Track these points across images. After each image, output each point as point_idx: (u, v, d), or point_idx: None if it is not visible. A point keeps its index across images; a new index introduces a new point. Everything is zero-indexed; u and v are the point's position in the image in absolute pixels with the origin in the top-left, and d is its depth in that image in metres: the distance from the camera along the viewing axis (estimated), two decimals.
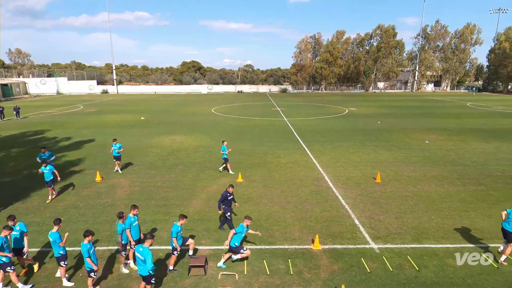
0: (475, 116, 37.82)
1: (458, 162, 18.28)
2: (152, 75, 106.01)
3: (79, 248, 8.27)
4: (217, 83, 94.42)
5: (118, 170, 16.65)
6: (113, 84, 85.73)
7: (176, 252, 8.56)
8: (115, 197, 13.44)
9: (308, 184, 14.85)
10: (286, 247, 9.67)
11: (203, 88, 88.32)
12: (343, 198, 13.26)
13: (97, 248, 9.41)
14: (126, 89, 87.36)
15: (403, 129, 29.00)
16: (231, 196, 10.47)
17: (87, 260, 7.36)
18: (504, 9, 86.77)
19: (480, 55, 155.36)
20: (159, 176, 16.07)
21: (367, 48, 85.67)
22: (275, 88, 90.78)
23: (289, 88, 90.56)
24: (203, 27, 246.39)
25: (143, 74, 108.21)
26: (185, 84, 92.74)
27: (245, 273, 8.41)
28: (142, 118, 36.83)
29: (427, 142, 23.65)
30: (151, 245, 7.26)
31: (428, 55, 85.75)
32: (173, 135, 26.45)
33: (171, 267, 8.58)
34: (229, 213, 10.43)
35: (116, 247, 9.50)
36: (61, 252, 7.92)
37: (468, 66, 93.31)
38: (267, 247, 9.66)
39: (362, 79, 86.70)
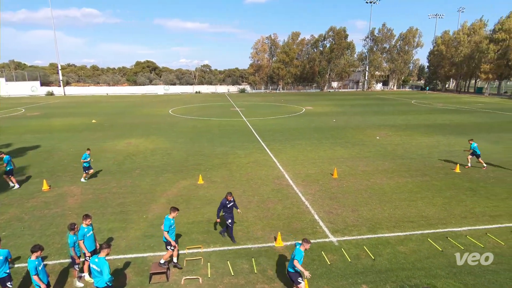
0: (419, 112, 41.04)
1: (406, 156, 19.71)
2: (103, 75, 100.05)
3: (26, 265, 7.59)
4: (174, 84, 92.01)
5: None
6: (59, 85, 79.75)
7: (170, 247, 8.36)
8: (66, 207, 12.52)
9: (269, 183, 15.07)
10: (250, 246, 9.72)
11: (159, 89, 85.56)
12: (303, 194, 13.65)
13: (47, 262, 8.71)
14: (75, 90, 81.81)
15: (356, 126, 30.59)
16: (231, 203, 10.06)
17: (34, 278, 6.76)
18: (440, 15, 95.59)
19: (421, 56, 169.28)
20: (115, 182, 15.28)
21: (321, 49, 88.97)
22: (233, 88, 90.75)
23: (248, 88, 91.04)
24: (157, 26, 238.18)
25: (93, 75, 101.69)
26: (140, 85, 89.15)
27: (209, 276, 8.32)
28: (94, 121, 34.73)
29: (378, 138, 25.19)
30: (107, 255, 6.89)
31: (376, 56, 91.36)
32: (129, 138, 25.30)
33: (175, 259, 8.68)
34: (230, 220, 10.02)
35: (68, 260, 8.86)
36: (7, 271, 7.20)
37: (411, 67, 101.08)
38: (230, 248, 9.65)
39: (317, 79, 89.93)
